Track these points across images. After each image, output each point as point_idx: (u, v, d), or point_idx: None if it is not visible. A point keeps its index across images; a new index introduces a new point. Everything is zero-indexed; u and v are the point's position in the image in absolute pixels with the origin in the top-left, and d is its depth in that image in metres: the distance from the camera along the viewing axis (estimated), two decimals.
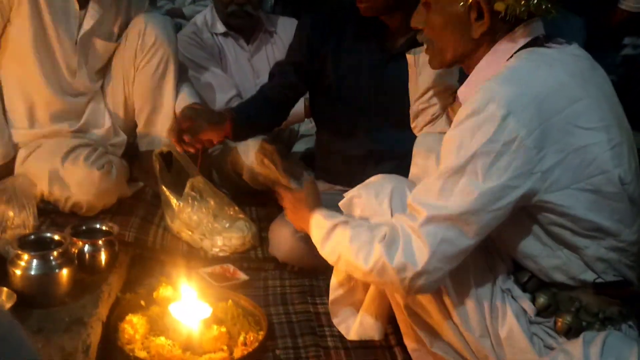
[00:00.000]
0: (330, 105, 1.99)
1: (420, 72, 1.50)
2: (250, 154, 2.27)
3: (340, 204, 1.39)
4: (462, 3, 1.16)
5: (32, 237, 1.56)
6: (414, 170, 1.50)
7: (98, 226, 1.74)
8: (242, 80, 2.53)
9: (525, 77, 1.12)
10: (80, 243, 1.63)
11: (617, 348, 1.04)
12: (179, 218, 1.94)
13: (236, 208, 2.00)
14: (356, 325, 1.48)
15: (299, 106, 2.39)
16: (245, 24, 2.50)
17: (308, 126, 2.62)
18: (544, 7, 1.14)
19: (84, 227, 1.72)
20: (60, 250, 1.48)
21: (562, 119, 1.08)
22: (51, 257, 1.47)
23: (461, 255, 1.13)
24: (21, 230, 1.67)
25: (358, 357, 1.48)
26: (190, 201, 1.92)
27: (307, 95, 2.56)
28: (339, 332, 1.56)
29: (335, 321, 1.53)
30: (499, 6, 1.14)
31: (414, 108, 1.58)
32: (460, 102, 1.23)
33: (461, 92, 1.24)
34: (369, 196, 1.33)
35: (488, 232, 1.12)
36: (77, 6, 2.00)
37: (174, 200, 1.94)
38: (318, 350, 1.49)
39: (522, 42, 1.17)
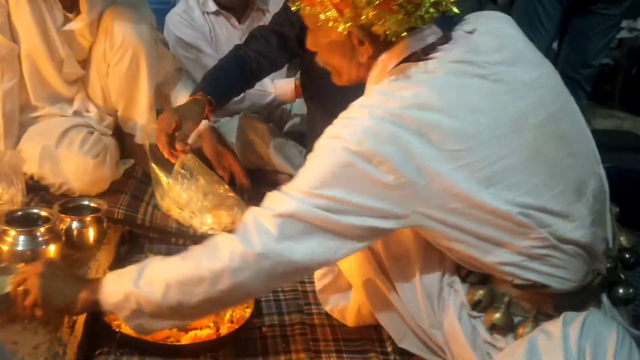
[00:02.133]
0: (321, 82, 1.97)
1: None
2: (240, 133, 2.28)
3: None
4: (339, 31, 1.12)
5: (20, 213, 1.56)
6: None
7: (86, 203, 1.74)
8: None
9: (384, 102, 1.08)
10: (68, 220, 1.63)
11: (596, 328, 1.05)
12: (169, 196, 1.94)
13: (226, 186, 2.00)
14: (354, 313, 1.49)
15: (290, 86, 2.39)
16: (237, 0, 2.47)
17: (300, 105, 2.61)
18: (428, 15, 1.09)
19: (72, 204, 1.72)
20: (47, 226, 1.48)
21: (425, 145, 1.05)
22: (38, 234, 1.47)
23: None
24: (9, 207, 1.67)
25: (344, 335, 1.49)
26: (179, 179, 1.92)
27: (298, 75, 2.56)
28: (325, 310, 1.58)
29: (327, 308, 1.53)
30: (377, 30, 1.10)
31: None
32: None
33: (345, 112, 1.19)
34: None
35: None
36: (58, 5, 1.96)
37: (163, 178, 1.94)
38: (304, 327, 1.50)
39: (391, 65, 1.14)
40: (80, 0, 1.96)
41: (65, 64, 2.04)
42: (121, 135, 2.23)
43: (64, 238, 1.56)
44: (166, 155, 1.75)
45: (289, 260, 1.09)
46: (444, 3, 1.11)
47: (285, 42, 1.94)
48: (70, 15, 1.98)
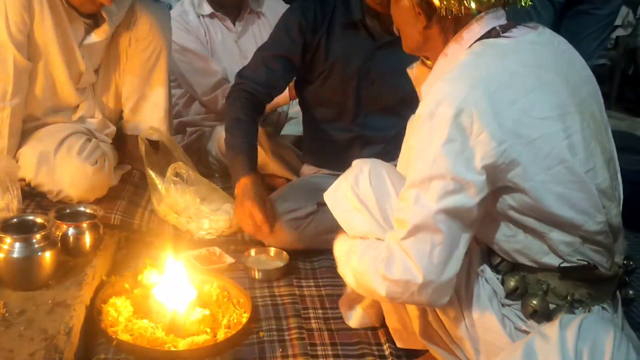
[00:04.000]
0: (319, 91, 1.99)
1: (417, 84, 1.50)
2: None
3: (325, 199, 1.39)
4: None
5: (15, 220, 1.55)
6: (404, 149, 1.50)
7: (83, 209, 1.73)
8: (229, 62, 2.52)
9: (473, 72, 1.12)
10: (64, 226, 1.62)
11: (593, 331, 1.05)
12: (166, 201, 1.94)
13: (222, 192, 1.99)
14: (358, 314, 1.50)
15: None
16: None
17: (296, 108, 2.61)
18: (486, 1, 1.14)
19: (68, 210, 1.72)
20: (43, 233, 1.48)
21: (515, 111, 1.09)
22: (34, 240, 1.46)
23: (458, 252, 1.12)
24: (5, 214, 1.66)
25: (341, 338, 1.49)
26: (174, 186, 1.91)
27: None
28: (323, 314, 1.58)
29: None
30: (436, 3, 1.16)
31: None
32: None
33: (422, 89, 1.25)
34: (348, 188, 1.33)
35: (475, 224, 1.13)
36: (78, 16, 1.95)
37: (160, 184, 1.93)
38: (302, 332, 1.49)
39: (473, 36, 1.17)
40: (102, 12, 1.95)
41: (83, 76, 2.05)
42: (119, 141, 2.23)
43: (59, 244, 1.56)
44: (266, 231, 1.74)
45: None
46: None
47: (290, 65, 1.92)
48: (88, 21, 1.97)
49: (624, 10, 4.37)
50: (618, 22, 4.32)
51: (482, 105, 1.07)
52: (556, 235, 1.14)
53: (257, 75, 1.90)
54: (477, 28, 1.17)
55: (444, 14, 1.16)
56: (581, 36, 2.64)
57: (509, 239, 1.17)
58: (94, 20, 1.98)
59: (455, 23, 1.19)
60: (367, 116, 1.97)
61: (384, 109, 1.96)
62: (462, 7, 1.14)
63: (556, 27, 2.61)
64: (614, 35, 4.48)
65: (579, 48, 2.84)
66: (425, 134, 1.10)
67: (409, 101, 1.61)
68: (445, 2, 1.14)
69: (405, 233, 1.11)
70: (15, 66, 1.85)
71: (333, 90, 1.95)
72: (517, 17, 1.24)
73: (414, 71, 1.46)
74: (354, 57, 1.90)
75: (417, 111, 1.15)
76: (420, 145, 1.12)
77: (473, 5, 1.14)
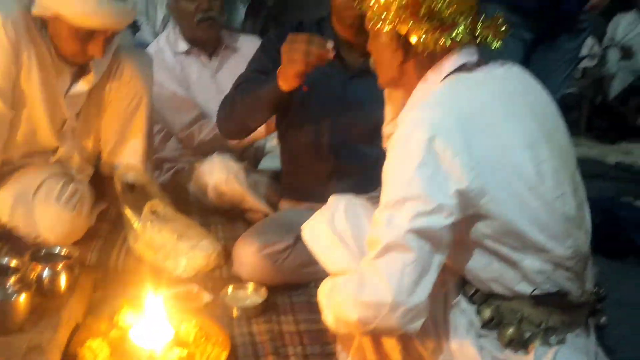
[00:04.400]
0: (295, 121, 2.01)
1: (389, 99, 1.53)
2: (214, 173, 2.28)
3: (303, 236, 1.41)
4: (384, 33, 1.25)
5: None
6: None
7: (58, 250, 1.72)
8: (206, 98, 2.54)
9: (446, 101, 1.17)
10: (39, 268, 1.60)
11: None
12: (142, 239, 1.93)
13: (199, 228, 1.99)
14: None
15: None
16: (212, 32, 2.51)
17: (274, 142, 2.63)
18: (459, 39, 1.20)
19: (43, 251, 1.70)
20: (17, 276, 1.46)
21: (486, 139, 1.13)
22: (8, 284, 1.44)
23: (429, 276, 1.14)
24: None
25: None
26: (150, 223, 1.91)
27: None
28: (302, 351, 1.57)
29: None
30: (412, 39, 1.21)
31: (385, 130, 1.61)
32: None
33: (399, 118, 1.28)
34: (324, 224, 1.35)
35: (447, 249, 1.15)
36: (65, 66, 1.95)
37: (136, 222, 1.93)
38: None
39: (446, 70, 1.23)
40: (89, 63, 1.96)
41: (67, 123, 2.04)
42: (96, 179, 2.22)
43: (34, 287, 1.54)
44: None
45: None
46: (481, 34, 1.23)
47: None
48: (72, 69, 1.97)
49: (590, 41, 4.52)
50: (585, 52, 4.46)
51: (454, 133, 1.11)
52: (529, 263, 1.17)
53: (240, 86, 1.94)
54: (451, 62, 1.23)
55: (421, 50, 1.21)
56: (550, 69, 2.73)
57: (485, 268, 1.20)
58: (79, 68, 1.99)
59: (430, 59, 1.24)
60: (343, 146, 1.99)
61: (359, 138, 1.99)
62: (438, 45, 1.19)
63: (526, 61, 2.69)
64: (581, 66, 4.63)
65: (549, 80, 2.94)
66: (399, 157, 1.14)
67: (381, 128, 1.64)
68: (422, 40, 1.19)
69: (376, 252, 1.13)
70: None
71: (309, 119, 1.98)
72: (488, 51, 1.29)
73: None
74: (329, 86, 1.94)
75: (393, 136, 1.18)
76: (394, 168, 1.15)
77: (448, 43, 1.19)
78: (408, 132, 1.14)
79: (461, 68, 1.23)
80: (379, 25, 1.24)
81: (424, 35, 1.18)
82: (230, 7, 5.65)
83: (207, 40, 2.54)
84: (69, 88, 1.98)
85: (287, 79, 1.70)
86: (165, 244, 1.91)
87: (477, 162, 1.11)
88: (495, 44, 1.24)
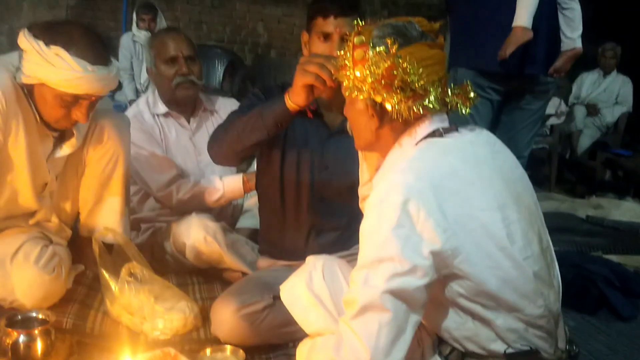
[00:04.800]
0: (274, 178, 2.05)
1: (364, 161, 1.59)
2: (191, 233, 2.30)
3: (282, 297, 1.42)
4: (359, 101, 1.31)
5: None
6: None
7: (34, 314, 1.71)
8: (184, 159, 2.58)
9: (420, 165, 1.23)
10: (15, 334, 1.59)
11: None
12: (119, 302, 1.92)
13: (176, 290, 1.99)
14: None
15: (237, 182, 2.45)
16: (191, 94, 2.56)
17: (251, 201, 2.66)
18: (431, 107, 1.26)
19: (19, 317, 1.69)
20: None
21: (457, 201, 1.18)
22: None
23: (405, 336, 1.16)
24: None
25: None
26: (127, 285, 1.91)
27: (248, 171, 2.63)
28: None
29: None
30: (387, 107, 1.28)
31: (360, 192, 1.66)
32: None
33: (374, 181, 1.34)
34: (302, 285, 1.37)
35: (422, 309, 1.17)
36: (48, 131, 1.98)
37: (113, 284, 1.92)
38: None
39: (420, 136, 1.29)
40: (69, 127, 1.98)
41: (48, 186, 2.05)
42: (74, 241, 2.22)
43: (10, 353, 1.52)
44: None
45: None
46: (451, 101, 1.29)
47: None
48: (55, 134, 1.99)
49: (556, 101, 4.71)
50: (552, 111, 4.64)
51: (427, 195, 1.16)
52: (502, 322, 1.20)
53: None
54: (424, 128, 1.30)
55: (395, 117, 1.27)
56: (517, 128, 2.85)
57: (459, 327, 1.23)
58: (60, 134, 2.02)
59: (404, 125, 1.31)
60: (321, 202, 2.03)
61: (336, 195, 2.03)
62: (412, 112, 1.26)
63: (494, 122, 2.81)
64: (549, 123, 4.79)
65: (517, 138, 3.08)
66: (375, 219, 1.18)
67: (358, 186, 1.68)
68: (396, 107, 1.26)
69: (353, 313, 1.15)
70: None
71: (288, 176, 2.02)
72: (458, 114, 1.36)
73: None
74: (309, 143, 1.99)
75: (369, 199, 1.23)
76: (370, 229, 1.19)
77: (421, 111, 1.26)
78: (383, 195, 1.18)
79: (434, 133, 1.29)
80: (355, 94, 1.30)
81: (397, 104, 1.25)
82: (209, 68, 5.81)
83: (185, 103, 2.59)
84: (51, 152, 2.00)
85: (295, 92, 1.68)
86: (142, 307, 1.91)
87: (450, 224, 1.15)
88: (465, 110, 1.31)
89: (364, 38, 1.29)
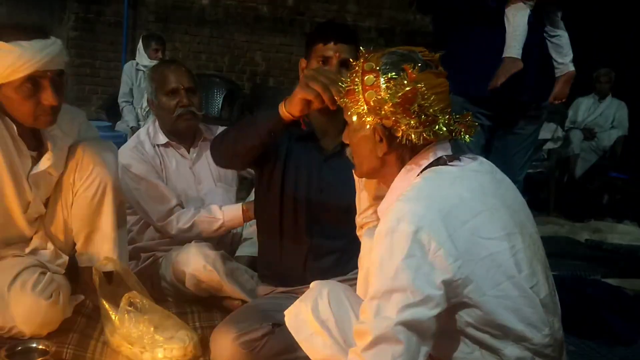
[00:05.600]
0: (273, 204, 2.07)
1: (362, 189, 1.60)
2: (191, 262, 2.30)
3: (287, 323, 1.42)
4: (367, 126, 1.32)
5: None
6: (360, 273, 1.56)
7: (35, 345, 1.71)
8: (184, 188, 2.60)
9: (428, 194, 1.24)
10: None
11: None
12: (119, 332, 1.92)
13: (177, 319, 1.99)
14: None
15: (237, 211, 2.46)
16: (192, 125, 2.60)
17: (250, 229, 2.68)
18: (440, 133, 1.29)
19: (20, 347, 1.69)
20: None
21: (466, 231, 1.19)
22: None
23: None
24: None
25: None
26: (127, 315, 1.91)
27: (247, 199, 2.65)
28: None
29: None
30: (396, 132, 1.29)
31: (358, 220, 1.67)
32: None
33: (380, 209, 1.35)
34: (308, 311, 1.37)
35: (432, 339, 1.18)
36: (26, 148, 2.01)
37: (113, 314, 1.92)
38: None
39: (425, 163, 1.31)
40: (44, 139, 2.02)
41: (31, 205, 2.07)
42: (73, 272, 2.22)
43: None
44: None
45: None
46: (455, 128, 1.32)
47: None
48: (33, 154, 2.02)
49: (552, 126, 4.76)
50: (548, 136, 4.68)
51: (437, 225, 1.17)
52: (510, 351, 1.20)
53: None
54: (430, 154, 1.32)
55: (404, 142, 1.29)
56: (511, 153, 2.88)
57: (467, 356, 1.23)
58: (38, 152, 2.05)
59: (411, 150, 1.32)
60: (318, 225, 2.04)
61: (333, 218, 2.04)
62: (421, 138, 1.28)
63: (487, 147, 2.85)
64: (546, 148, 4.83)
65: (511, 163, 3.10)
66: (386, 249, 1.18)
67: (354, 210, 1.70)
68: (408, 132, 1.27)
69: (366, 345, 1.15)
70: None
71: (286, 198, 2.04)
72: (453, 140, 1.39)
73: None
74: (306, 167, 2.02)
75: (378, 228, 1.23)
76: (381, 259, 1.18)
77: (432, 136, 1.28)
78: (394, 224, 1.18)
79: (438, 161, 1.31)
80: (365, 119, 1.31)
81: (410, 129, 1.27)
82: (208, 97, 5.87)
83: (186, 133, 2.62)
84: (31, 169, 2.03)
85: (292, 103, 1.68)
86: (142, 336, 1.91)
87: (460, 254, 1.16)
88: (467, 138, 1.34)
89: (373, 64, 1.31)
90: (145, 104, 5.24)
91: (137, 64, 5.38)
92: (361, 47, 1.39)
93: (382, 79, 1.29)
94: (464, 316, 1.20)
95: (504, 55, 2.66)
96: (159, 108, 2.58)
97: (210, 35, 6.60)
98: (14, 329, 1.90)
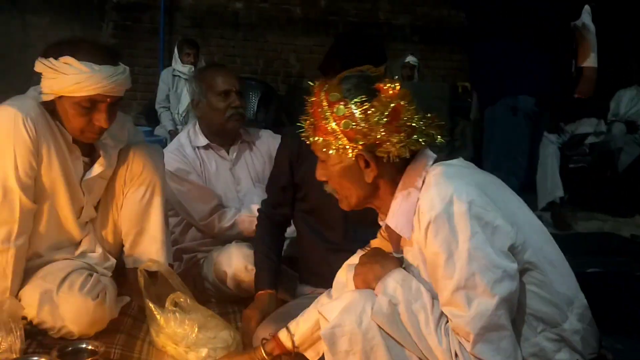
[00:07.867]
0: (307, 211, 2.11)
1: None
2: (232, 262, 2.34)
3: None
4: (349, 156, 1.29)
5: None
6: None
7: (84, 346, 1.76)
8: (223, 189, 2.64)
9: (456, 174, 1.25)
10: None
11: None
12: (164, 332, 1.96)
13: (220, 319, 2.02)
14: None
15: None
16: (238, 127, 2.67)
17: (290, 229, 2.69)
18: (421, 141, 1.29)
19: (70, 348, 1.74)
20: None
21: (501, 202, 1.22)
22: None
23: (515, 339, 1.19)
24: (8, 355, 1.67)
25: None
26: (172, 315, 1.94)
27: None
28: None
29: None
30: (381, 154, 1.28)
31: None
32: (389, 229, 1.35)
33: (392, 222, 1.32)
34: (352, 325, 1.32)
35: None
36: (80, 154, 2.07)
37: (158, 315, 1.96)
38: None
39: (425, 166, 1.31)
40: (96, 145, 2.08)
41: (84, 210, 2.14)
42: (120, 273, 2.27)
43: None
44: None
45: None
46: (430, 132, 1.31)
47: (287, 190, 2.17)
48: (86, 159, 2.09)
49: (594, 120, 4.66)
50: (590, 130, 4.58)
51: (483, 196, 1.19)
52: (568, 326, 1.22)
53: (269, 204, 2.22)
54: (424, 160, 1.33)
55: (391, 160, 1.28)
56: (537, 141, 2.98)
57: (524, 342, 1.23)
58: (90, 158, 2.11)
59: (398, 167, 1.32)
60: (355, 231, 2.05)
61: (370, 223, 2.04)
62: (407, 150, 1.28)
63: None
64: (587, 142, 4.73)
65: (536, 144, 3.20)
66: (447, 236, 1.17)
67: None
68: (395, 149, 1.27)
69: (472, 340, 1.16)
70: (21, 209, 1.93)
71: (317, 209, 2.08)
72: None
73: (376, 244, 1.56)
74: None
75: (425, 220, 1.20)
76: (448, 249, 1.17)
77: (416, 145, 1.29)
78: (444, 208, 1.17)
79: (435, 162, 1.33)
80: (344, 151, 1.29)
81: (398, 145, 1.26)
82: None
83: (232, 134, 2.67)
84: (84, 175, 2.09)
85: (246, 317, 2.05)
86: (186, 336, 1.94)
87: (510, 220, 1.18)
88: (439, 139, 1.32)
89: (337, 94, 1.28)
90: (181, 109, 5.33)
91: (174, 69, 5.47)
92: (309, 82, 1.37)
93: (352, 106, 1.26)
94: (528, 285, 1.20)
95: (584, 65, 2.76)
96: (207, 108, 2.63)
97: (244, 39, 6.67)
98: (64, 329, 1.95)
